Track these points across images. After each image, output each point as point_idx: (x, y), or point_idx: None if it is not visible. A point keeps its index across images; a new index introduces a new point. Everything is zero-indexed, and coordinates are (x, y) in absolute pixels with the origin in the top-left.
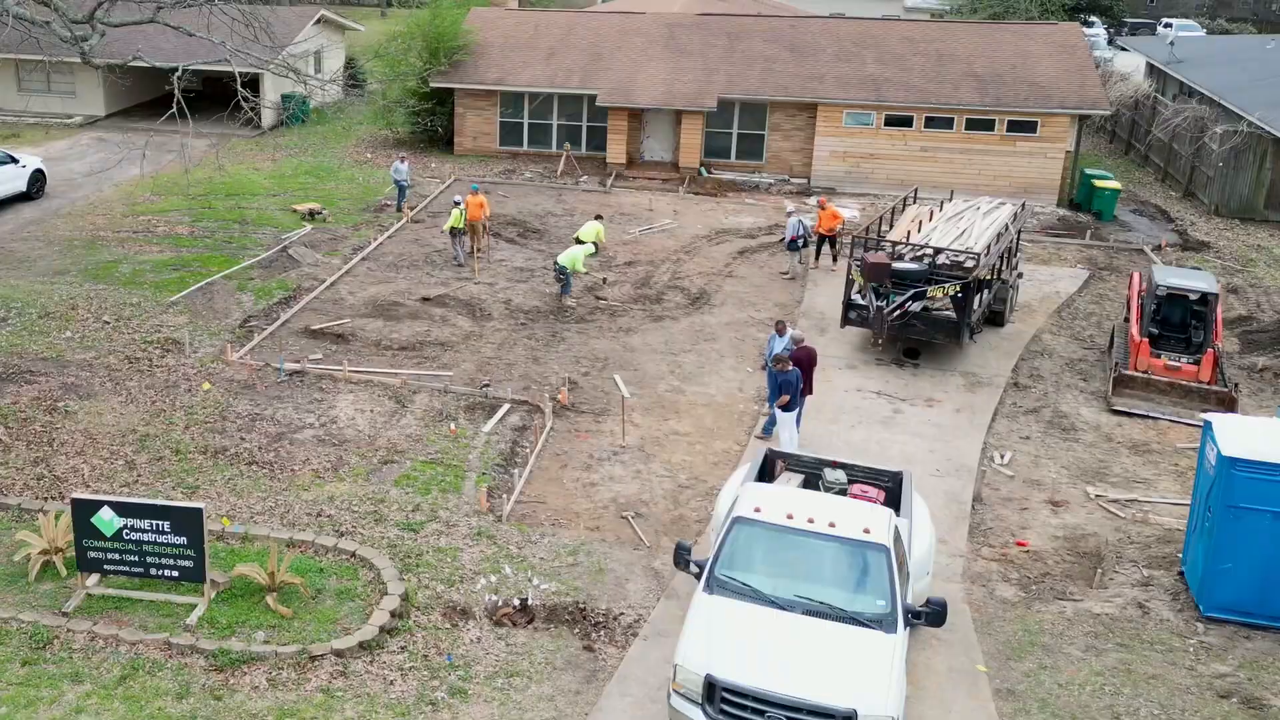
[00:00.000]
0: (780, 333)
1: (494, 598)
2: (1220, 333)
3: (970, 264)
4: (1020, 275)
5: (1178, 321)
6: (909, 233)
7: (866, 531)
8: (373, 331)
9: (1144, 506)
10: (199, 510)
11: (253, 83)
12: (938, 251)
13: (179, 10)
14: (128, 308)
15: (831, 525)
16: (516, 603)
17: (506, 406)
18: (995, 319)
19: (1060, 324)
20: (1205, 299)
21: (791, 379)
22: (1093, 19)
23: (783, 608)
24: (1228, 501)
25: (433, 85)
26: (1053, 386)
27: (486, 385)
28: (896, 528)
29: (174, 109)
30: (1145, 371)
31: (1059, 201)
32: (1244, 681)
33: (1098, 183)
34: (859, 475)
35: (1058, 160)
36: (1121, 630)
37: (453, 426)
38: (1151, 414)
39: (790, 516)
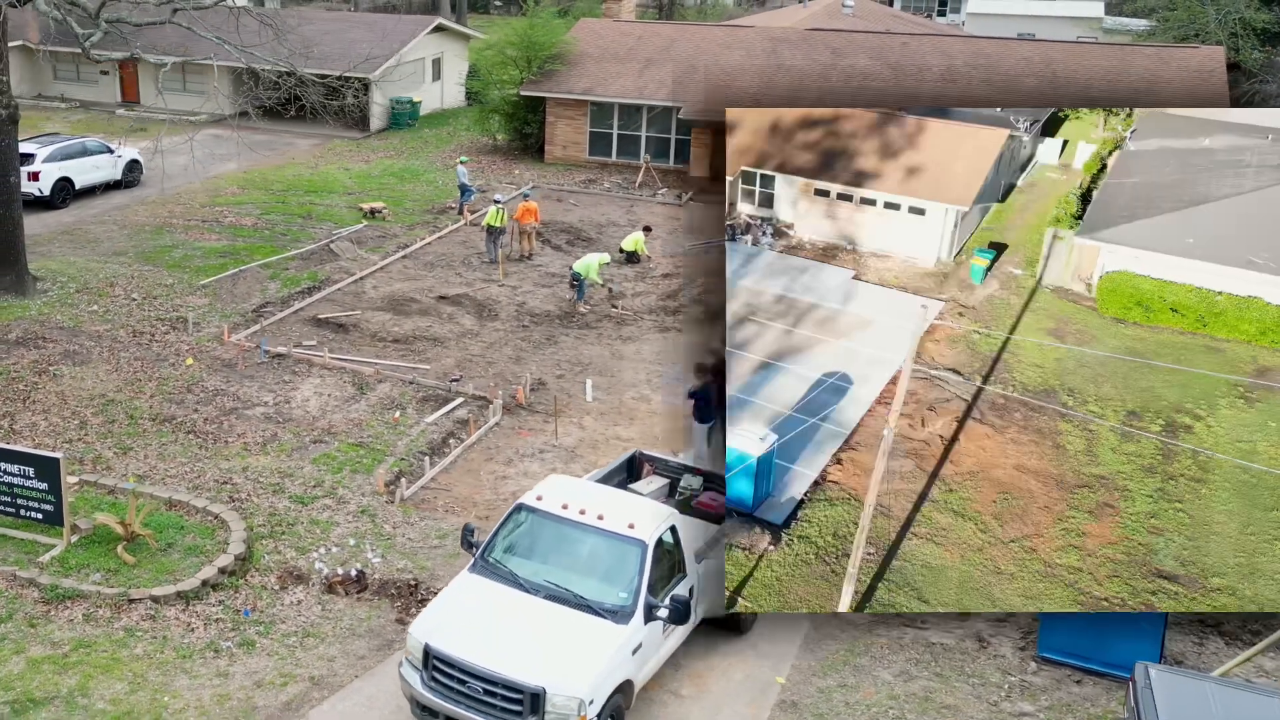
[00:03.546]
0: None
1: (322, 566)
2: None
3: None
4: None
5: None
6: None
7: (630, 527)
8: (376, 324)
9: None
10: (56, 460)
11: (364, 87)
12: None
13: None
14: (159, 288)
15: (600, 518)
16: (340, 572)
17: (459, 400)
18: None
19: None
20: None
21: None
22: None
23: (527, 591)
24: None
25: (522, 93)
26: None
27: (455, 380)
28: (675, 528)
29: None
30: None
31: None
32: None
33: None
34: (717, 485)
35: None
36: (947, 660)
37: (396, 415)
38: None
39: (565, 507)
